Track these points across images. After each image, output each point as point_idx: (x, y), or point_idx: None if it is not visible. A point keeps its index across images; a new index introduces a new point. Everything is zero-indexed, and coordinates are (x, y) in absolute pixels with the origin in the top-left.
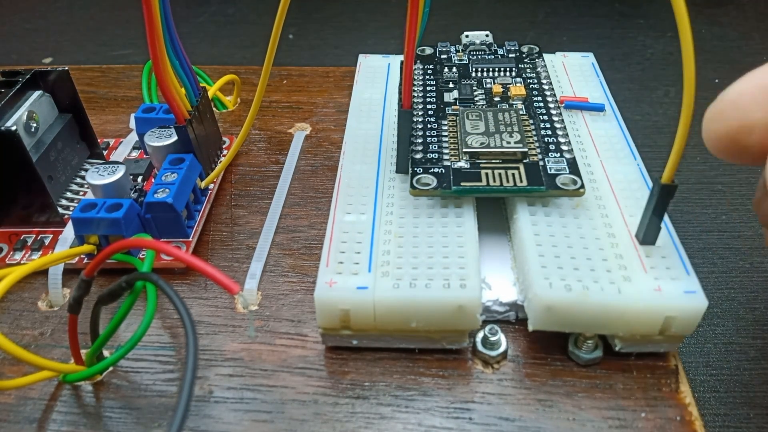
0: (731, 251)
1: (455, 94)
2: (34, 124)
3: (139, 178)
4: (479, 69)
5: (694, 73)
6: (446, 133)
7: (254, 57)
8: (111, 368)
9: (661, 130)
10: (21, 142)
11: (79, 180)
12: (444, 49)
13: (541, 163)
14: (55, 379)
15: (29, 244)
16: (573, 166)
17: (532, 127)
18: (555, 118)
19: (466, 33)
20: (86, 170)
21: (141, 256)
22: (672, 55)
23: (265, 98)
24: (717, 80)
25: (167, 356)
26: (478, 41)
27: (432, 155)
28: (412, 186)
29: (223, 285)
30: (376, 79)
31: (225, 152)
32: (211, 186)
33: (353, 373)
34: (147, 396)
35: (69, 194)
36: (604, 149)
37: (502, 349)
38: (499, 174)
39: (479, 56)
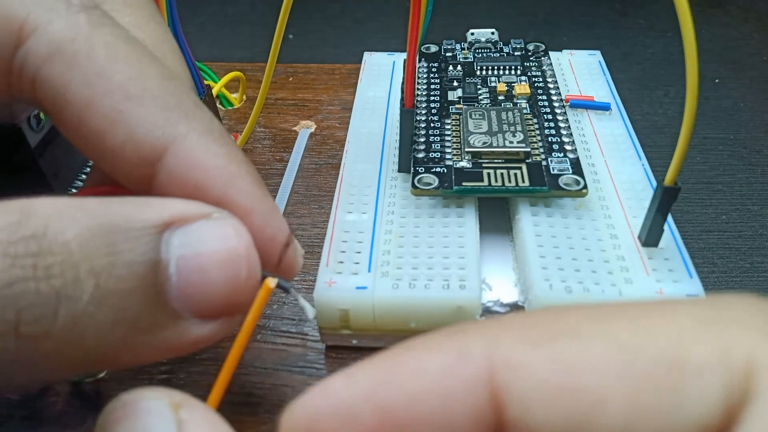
0: (731, 251)
1: (459, 92)
2: (40, 121)
3: None
4: (484, 67)
5: (697, 77)
6: (449, 132)
7: (254, 57)
8: None
9: (661, 130)
10: (25, 139)
11: (83, 177)
12: (449, 46)
13: (543, 163)
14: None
15: None
16: (576, 167)
17: (536, 126)
18: (559, 117)
19: (471, 30)
20: (91, 167)
21: None
22: (672, 55)
23: (270, 95)
24: (717, 80)
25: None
26: (483, 39)
27: (434, 154)
28: (413, 185)
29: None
30: (381, 77)
31: None
32: None
33: None
34: None
35: (74, 191)
36: (608, 149)
37: None
38: (501, 174)
39: (485, 54)
